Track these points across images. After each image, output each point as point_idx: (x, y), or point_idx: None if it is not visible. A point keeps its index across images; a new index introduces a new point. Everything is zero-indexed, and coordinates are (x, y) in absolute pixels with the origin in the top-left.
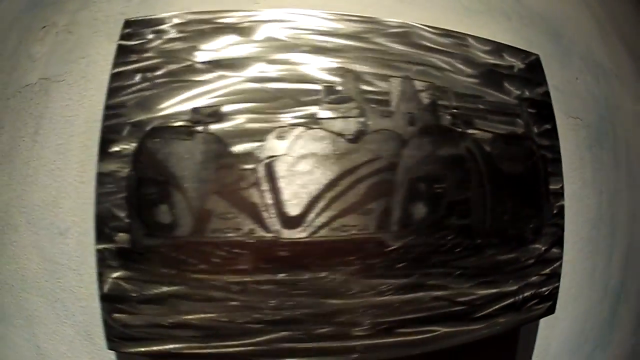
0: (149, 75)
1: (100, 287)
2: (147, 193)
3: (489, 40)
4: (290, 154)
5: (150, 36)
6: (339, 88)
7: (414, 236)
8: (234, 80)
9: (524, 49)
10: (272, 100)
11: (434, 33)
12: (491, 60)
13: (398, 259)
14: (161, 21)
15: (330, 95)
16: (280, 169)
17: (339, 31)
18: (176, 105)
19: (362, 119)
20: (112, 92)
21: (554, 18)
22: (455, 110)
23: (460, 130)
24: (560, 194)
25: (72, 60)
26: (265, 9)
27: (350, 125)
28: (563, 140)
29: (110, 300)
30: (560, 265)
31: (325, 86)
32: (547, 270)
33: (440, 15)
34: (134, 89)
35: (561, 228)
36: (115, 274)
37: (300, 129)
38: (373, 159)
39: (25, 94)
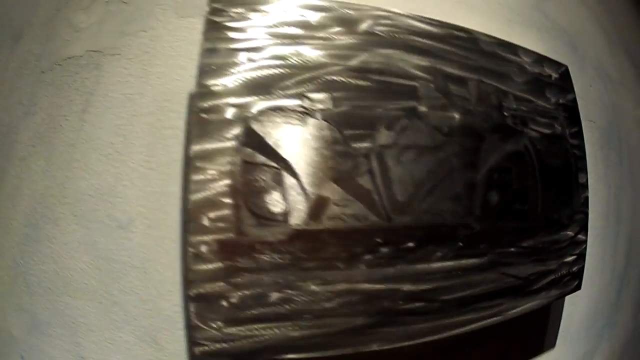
0: (253, 55)
1: (190, 285)
2: (256, 179)
3: (532, 51)
4: (398, 144)
5: (250, 15)
6: (432, 85)
7: (491, 219)
8: (341, 69)
9: (552, 57)
10: (378, 92)
11: (495, 43)
12: (536, 70)
13: (480, 240)
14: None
15: (427, 91)
16: (390, 157)
17: (428, 33)
18: (286, 89)
19: (451, 115)
20: (205, 70)
21: (571, 31)
22: (514, 112)
23: (519, 129)
24: (585, 186)
25: (130, 33)
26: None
27: (444, 120)
28: None
29: (204, 300)
30: (585, 248)
31: (422, 83)
32: (577, 252)
33: (491, 24)
34: (235, 68)
35: (586, 215)
36: (212, 268)
37: (405, 121)
38: (461, 151)
39: (67, 67)
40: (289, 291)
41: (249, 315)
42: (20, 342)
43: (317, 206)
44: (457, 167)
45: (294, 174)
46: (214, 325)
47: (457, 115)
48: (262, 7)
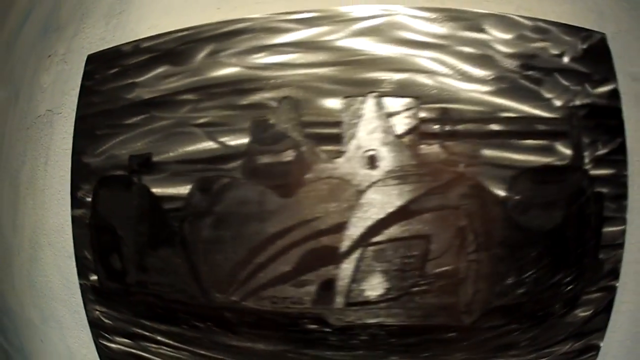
0: (105, 119)
1: (87, 315)
2: (103, 241)
3: (519, 17)
4: (215, 211)
5: (109, 73)
6: (272, 121)
7: (364, 316)
8: (164, 123)
9: (590, 23)
10: (197, 142)
11: (427, 18)
12: (521, 50)
13: (341, 340)
14: (116, 53)
15: (261, 132)
16: (202, 228)
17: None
18: (119, 153)
19: (298, 165)
20: (76, 136)
21: None
22: (451, 140)
23: (459, 171)
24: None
25: (67, 92)
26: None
27: (283, 175)
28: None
29: (95, 327)
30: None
31: (255, 120)
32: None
33: None
34: (96, 133)
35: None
36: (95, 306)
37: (226, 178)
38: (310, 219)
39: (38, 125)
40: (140, 342)
41: (126, 350)
42: (39, 330)
43: (142, 271)
44: (301, 241)
45: (122, 239)
46: (108, 352)
47: (311, 164)
48: (117, 62)
